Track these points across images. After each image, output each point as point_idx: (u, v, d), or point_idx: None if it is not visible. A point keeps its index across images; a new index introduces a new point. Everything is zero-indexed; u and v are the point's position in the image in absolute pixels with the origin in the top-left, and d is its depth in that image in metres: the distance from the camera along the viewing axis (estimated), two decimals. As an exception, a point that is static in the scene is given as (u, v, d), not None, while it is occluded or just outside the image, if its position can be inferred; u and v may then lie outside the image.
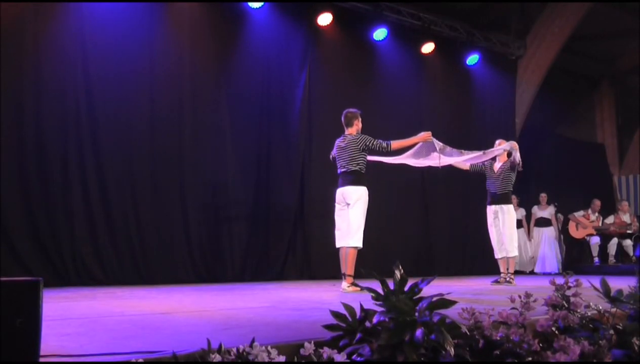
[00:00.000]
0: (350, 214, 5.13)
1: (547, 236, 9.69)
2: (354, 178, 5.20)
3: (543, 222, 9.78)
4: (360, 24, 8.20)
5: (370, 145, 5.22)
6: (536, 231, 9.82)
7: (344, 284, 5.10)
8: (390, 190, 8.00)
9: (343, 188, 5.24)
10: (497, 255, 6.46)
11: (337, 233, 5.29)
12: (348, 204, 5.19)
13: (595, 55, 11.90)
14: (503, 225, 6.32)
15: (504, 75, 10.01)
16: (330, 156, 5.52)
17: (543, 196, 9.77)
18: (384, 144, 5.24)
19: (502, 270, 6.46)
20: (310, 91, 7.64)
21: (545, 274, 9.22)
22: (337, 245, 5.26)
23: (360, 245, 5.15)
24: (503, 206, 6.34)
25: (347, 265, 5.10)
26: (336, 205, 5.33)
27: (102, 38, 6.16)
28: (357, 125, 5.39)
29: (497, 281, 6.29)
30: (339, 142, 5.41)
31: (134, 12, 6.39)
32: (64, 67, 5.93)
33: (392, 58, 8.60)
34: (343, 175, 5.28)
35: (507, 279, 6.30)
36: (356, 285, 4.97)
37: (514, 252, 6.38)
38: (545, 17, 9.96)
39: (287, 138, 7.46)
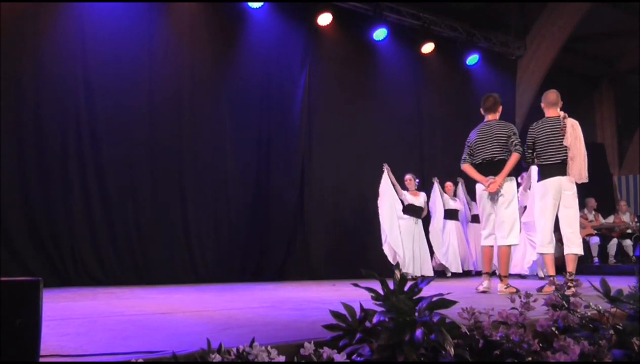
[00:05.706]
0: (507, 212, 4.61)
1: (455, 229, 8.24)
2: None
3: (453, 214, 8.32)
4: (360, 24, 8.20)
5: (515, 136, 4.63)
6: (449, 224, 8.23)
7: (501, 286, 4.52)
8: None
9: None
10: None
11: (486, 230, 4.74)
12: (499, 197, 4.62)
13: (595, 55, 11.90)
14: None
15: (504, 75, 10.01)
16: (467, 144, 4.85)
17: (449, 185, 8.33)
18: (520, 148, 4.63)
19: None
20: (310, 91, 7.64)
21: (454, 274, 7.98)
22: (487, 244, 4.76)
23: (517, 242, 4.73)
24: None
25: (503, 265, 4.62)
26: (485, 198, 4.71)
27: (102, 38, 6.17)
28: (500, 110, 4.82)
29: None
30: (482, 128, 4.77)
31: (134, 11, 6.39)
32: (64, 67, 5.93)
33: (392, 58, 8.60)
34: (489, 164, 4.66)
35: None
36: (512, 286, 4.47)
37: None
38: (545, 17, 9.97)
39: (287, 138, 7.46)
